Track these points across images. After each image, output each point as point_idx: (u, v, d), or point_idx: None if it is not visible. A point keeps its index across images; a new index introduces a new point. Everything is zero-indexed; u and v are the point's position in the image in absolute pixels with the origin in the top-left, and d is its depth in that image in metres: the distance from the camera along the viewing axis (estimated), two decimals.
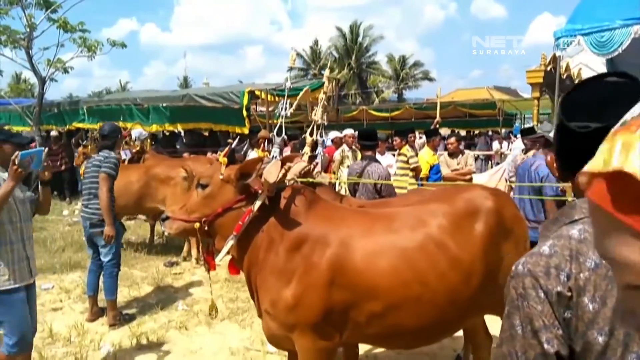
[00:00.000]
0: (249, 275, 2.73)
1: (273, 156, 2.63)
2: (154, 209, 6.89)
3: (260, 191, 2.64)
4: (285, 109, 4.84)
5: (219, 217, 2.65)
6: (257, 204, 2.59)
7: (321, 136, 4.11)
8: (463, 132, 19.30)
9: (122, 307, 5.09)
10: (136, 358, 4.09)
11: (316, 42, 41.01)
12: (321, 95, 4.40)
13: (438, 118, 8.74)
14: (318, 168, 3.95)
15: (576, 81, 10.38)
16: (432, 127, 8.19)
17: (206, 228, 2.67)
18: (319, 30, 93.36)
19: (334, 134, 8.19)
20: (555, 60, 8.03)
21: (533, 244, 3.78)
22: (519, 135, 15.06)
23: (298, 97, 3.75)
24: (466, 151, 7.19)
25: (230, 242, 2.62)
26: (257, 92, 9.52)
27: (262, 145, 7.78)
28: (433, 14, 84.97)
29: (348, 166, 7.29)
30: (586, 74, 11.44)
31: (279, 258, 2.55)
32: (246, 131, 9.41)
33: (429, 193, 3.47)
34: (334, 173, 7.28)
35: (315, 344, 2.53)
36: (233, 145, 6.26)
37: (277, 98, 9.31)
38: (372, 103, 32.14)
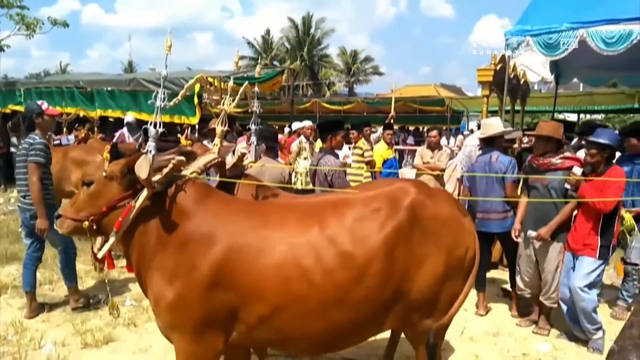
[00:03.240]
0: (139, 273, 2.62)
1: (148, 150, 2.49)
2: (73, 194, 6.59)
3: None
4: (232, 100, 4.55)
5: (105, 215, 2.54)
6: (140, 200, 2.47)
7: (255, 125, 4.01)
8: (412, 128, 19.72)
9: (63, 302, 4.80)
10: (82, 358, 3.85)
11: (268, 32, 40.74)
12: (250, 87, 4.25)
13: (392, 112, 8.81)
14: (250, 157, 3.87)
15: (522, 81, 10.81)
16: (387, 121, 8.25)
17: (94, 227, 2.56)
18: (271, 19, 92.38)
19: (296, 124, 8.08)
20: (504, 59, 8.27)
21: (507, 233, 3.75)
22: (467, 132, 15.58)
23: (241, 89, 3.60)
24: (444, 147, 7.27)
25: (111, 240, 2.52)
26: (210, 79, 9.20)
27: (185, 133, 7.47)
28: (384, 9, 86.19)
29: (305, 158, 7.26)
30: (529, 75, 11.96)
31: (165, 256, 2.44)
32: (195, 121, 9.09)
33: (368, 185, 3.43)
34: (291, 164, 7.20)
35: (193, 347, 2.42)
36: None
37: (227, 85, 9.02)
38: (324, 96, 32.20)
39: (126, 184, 2.52)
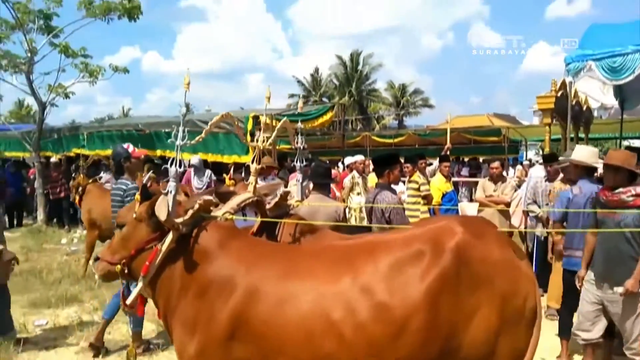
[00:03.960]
0: (166, 322, 2.46)
1: (168, 190, 2.35)
2: None
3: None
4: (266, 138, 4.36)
5: (134, 258, 2.44)
6: (166, 243, 2.34)
7: (297, 161, 3.85)
8: (466, 159, 19.19)
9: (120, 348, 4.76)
10: None
11: (317, 70, 41.65)
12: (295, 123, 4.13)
13: (449, 144, 8.55)
14: (296, 196, 3.69)
15: (584, 107, 10.29)
16: (443, 153, 7.99)
17: (126, 271, 2.46)
18: (319, 58, 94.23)
19: (349, 159, 7.96)
20: (564, 86, 7.90)
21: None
22: (526, 162, 14.94)
23: (278, 125, 3.47)
24: (508, 179, 6.94)
25: (139, 285, 2.41)
26: (261, 117, 9.31)
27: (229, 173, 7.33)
28: (431, 42, 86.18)
29: (358, 193, 7.10)
30: (590, 101, 11.40)
31: (186, 304, 2.29)
32: (248, 159, 9.15)
33: (417, 223, 3.11)
34: (344, 200, 7.06)
35: None
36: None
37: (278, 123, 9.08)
38: (373, 129, 32.24)
39: (153, 225, 2.41)
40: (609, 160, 3.84)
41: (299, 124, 3.99)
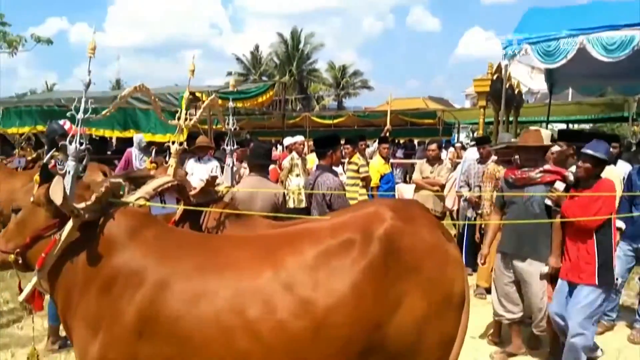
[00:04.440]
0: (65, 322, 2.21)
1: (66, 170, 2.09)
2: None
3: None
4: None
5: (29, 247, 2.16)
6: (65, 231, 2.08)
7: (227, 145, 3.61)
8: (402, 141, 19.54)
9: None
10: None
11: (257, 48, 40.83)
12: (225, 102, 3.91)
13: (389, 126, 8.55)
14: (225, 182, 3.47)
15: (516, 91, 10.63)
16: (382, 134, 7.96)
17: (20, 261, 2.18)
18: (260, 35, 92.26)
19: (288, 140, 7.74)
20: (500, 69, 8.07)
21: None
22: (457, 144, 15.39)
23: (204, 105, 3.23)
24: (445, 161, 6.98)
25: (34, 279, 2.15)
26: (197, 94, 8.85)
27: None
28: (371, 24, 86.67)
29: (297, 175, 6.92)
30: (521, 85, 11.83)
31: (90, 301, 2.05)
32: (183, 138, 8.71)
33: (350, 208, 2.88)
34: (282, 182, 6.86)
35: None
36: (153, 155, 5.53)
37: (220, 101, 8.70)
38: (312, 110, 32.15)
39: (53, 211, 2.13)
40: (523, 142, 3.93)
41: (231, 103, 3.72)
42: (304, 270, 2.01)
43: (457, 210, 6.71)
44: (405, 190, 7.33)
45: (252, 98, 10.18)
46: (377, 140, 7.74)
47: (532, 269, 3.80)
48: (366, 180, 6.55)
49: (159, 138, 8.90)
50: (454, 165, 7.18)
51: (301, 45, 39.66)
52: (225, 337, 1.93)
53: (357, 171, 6.41)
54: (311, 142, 6.76)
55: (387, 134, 8.15)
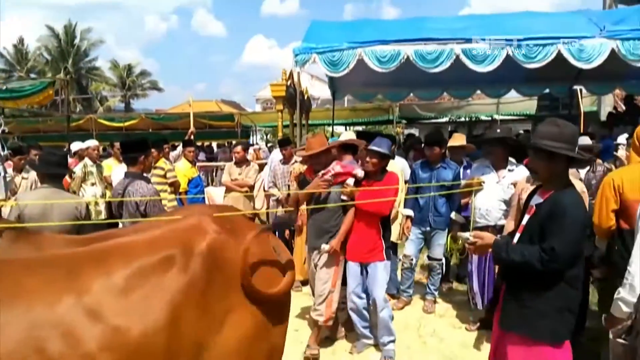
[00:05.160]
0: None
1: None
2: None
3: None
4: None
5: None
6: None
7: (4, 150, 3.25)
8: (206, 144, 19.35)
9: None
10: None
11: (21, 41, 35.54)
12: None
13: (192, 128, 8.39)
14: None
15: (306, 97, 11.54)
16: (186, 137, 7.80)
17: None
18: (24, 27, 79.61)
19: (78, 145, 6.92)
20: (292, 76, 8.69)
21: None
22: (256, 146, 15.94)
23: None
24: (252, 163, 7.07)
25: None
26: None
27: None
28: (155, 24, 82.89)
29: (93, 184, 6.33)
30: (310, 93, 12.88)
31: None
32: None
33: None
34: (74, 193, 6.20)
35: None
36: None
37: None
38: (96, 111, 29.41)
39: None
40: (308, 147, 4.21)
41: None
42: (113, 294, 1.76)
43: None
44: (215, 194, 7.35)
45: (27, 97, 8.92)
46: (182, 144, 7.57)
47: (323, 257, 4.11)
48: (174, 185, 6.38)
49: None
50: (260, 167, 7.47)
51: (77, 41, 36.01)
52: None
53: (164, 176, 6.19)
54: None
55: (192, 137, 8.01)
